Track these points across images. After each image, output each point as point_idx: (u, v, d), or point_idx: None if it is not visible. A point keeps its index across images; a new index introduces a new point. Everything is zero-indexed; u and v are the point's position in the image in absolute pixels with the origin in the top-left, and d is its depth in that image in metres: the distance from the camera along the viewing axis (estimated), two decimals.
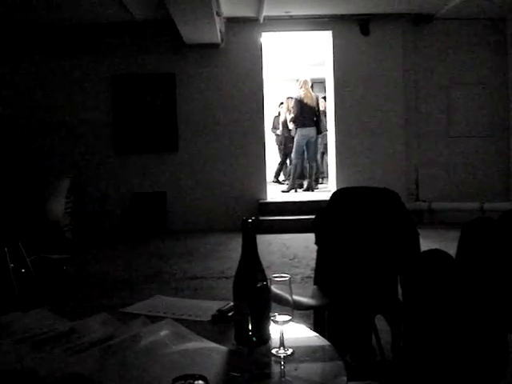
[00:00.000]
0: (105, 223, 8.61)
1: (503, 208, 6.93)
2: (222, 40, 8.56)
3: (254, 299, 1.44)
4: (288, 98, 11.54)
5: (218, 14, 7.54)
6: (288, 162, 12.16)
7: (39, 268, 5.22)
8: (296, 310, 1.53)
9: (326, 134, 10.25)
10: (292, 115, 9.88)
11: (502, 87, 8.88)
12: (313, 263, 2.89)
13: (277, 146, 12.52)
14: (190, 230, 8.50)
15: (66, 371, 1.28)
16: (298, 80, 9.78)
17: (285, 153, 12.12)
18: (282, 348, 1.40)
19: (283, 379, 1.30)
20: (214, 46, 8.62)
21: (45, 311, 1.76)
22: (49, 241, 6.31)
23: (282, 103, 12.13)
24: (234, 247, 6.83)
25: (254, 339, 1.45)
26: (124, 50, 8.75)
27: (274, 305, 1.45)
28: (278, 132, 12.17)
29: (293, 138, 10.94)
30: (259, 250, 1.48)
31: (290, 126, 10.67)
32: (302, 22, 8.71)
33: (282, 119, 11.90)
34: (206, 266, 6.14)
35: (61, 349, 1.42)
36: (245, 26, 8.71)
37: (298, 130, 9.71)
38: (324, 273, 2.69)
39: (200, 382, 0.99)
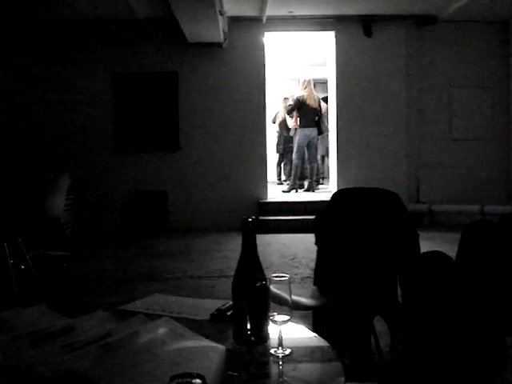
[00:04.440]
0: (105, 221, 8.62)
1: (504, 211, 6.93)
2: (225, 39, 8.55)
3: (253, 299, 1.43)
4: (285, 98, 11.54)
5: (222, 14, 7.54)
6: (284, 161, 12.19)
7: (39, 265, 5.22)
8: (295, 310, 1.52)
9: (325, 137, 10.23)
10: (295, 113, 9.84)
11: (505, 90, 8.88)
12: (312, 264, 2.89)
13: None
14: (191, 229, 8.51)
15: (62, 368, 1.28)
16: (300, 80, 9.77)
17: (281, 153, 12.13)
18: (280, 348, 1.39)
19: (281, 379, 1.29)
20: (217, 45, 8.61)
21: (43, 308, 1.75)
22: (49, 238, 6.31)
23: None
24: (233, 246, 6.83)
25: (253, 339, 1.44)
26: (126, 47, 8.74)
27: (272, 305, 1.44)
28: (276, 132, 12.14)
29: (290, 138, 10.93)
30: (259, 250, 1.47)
31: (290, 123, 10.64)
32: (305, 22, 8.71)
33: (279, 120, 11.89)
34: (205, 264, 6.13)
35: (58, 346, 1.41)
36: (248, 26, 8.71)
37: (300, 130, 9.70)
38: (323, 273, 2.69)
39: (197, 380, 0.98)
